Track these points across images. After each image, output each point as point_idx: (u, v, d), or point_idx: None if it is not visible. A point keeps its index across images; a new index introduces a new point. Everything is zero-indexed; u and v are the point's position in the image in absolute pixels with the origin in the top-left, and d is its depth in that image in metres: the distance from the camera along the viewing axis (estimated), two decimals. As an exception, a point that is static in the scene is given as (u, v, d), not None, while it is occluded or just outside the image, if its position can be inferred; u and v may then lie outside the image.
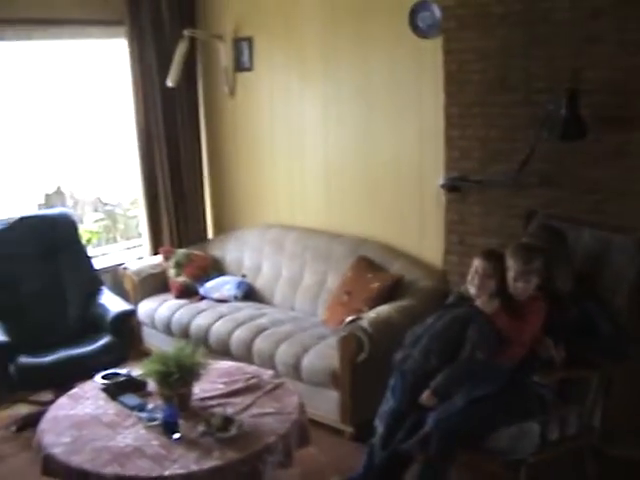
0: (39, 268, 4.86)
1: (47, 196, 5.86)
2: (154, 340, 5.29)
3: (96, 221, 6.47)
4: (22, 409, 4.75)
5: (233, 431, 3.10)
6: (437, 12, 4.36)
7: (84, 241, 5.40)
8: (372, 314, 4.21)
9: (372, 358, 3.99)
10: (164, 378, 3.29)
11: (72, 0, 5.23)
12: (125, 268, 5.53)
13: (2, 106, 5.31)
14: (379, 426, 3.44)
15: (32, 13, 4.99)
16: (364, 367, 4.02)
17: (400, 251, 4.85)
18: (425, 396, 3.30)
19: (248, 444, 3.05)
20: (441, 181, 4.41)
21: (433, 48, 4.38)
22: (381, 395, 3.51)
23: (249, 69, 5.58)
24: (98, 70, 5.76)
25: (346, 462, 3.79)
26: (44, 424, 3.35)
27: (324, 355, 4.18)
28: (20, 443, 4.37)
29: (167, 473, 2.87)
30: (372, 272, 4.68)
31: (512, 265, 3.37)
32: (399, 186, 4.85)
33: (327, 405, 4.15)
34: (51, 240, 4.95)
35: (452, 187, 4.37)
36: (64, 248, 4.97)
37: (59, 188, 5.98)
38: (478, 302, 3.43)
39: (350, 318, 4.17)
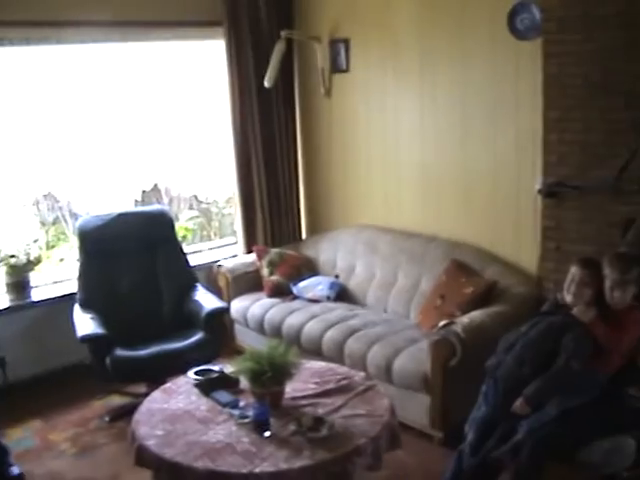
0: (136, 263, 5.00)
1: (144, 193, 6.01)
2: (246, 338, 5.37)
3: (191, 218, 6.60)
4: (116, 400, 4.91)
5: (324, 431, 3.11)
6: (537, 14, 4.28)
7: (179, 238, 5.51)
8: (465, 319, 4.16)
9: (464, 363, 3.94)
10: (257, 376, 3.33)
11: (171, 2, 5.38)
12: (219, 266, 5.62)
13: (103, 106, 5.49)
14: (469, 432, 3.40)
15: (131, 16, 5.15)
16: (456, 372, 3.97)
17: (494, 256, 4.78)
18: (518, 404, 3.25)
19: (338, 445, 3.05)
20: (538, 186, 4.32)
21: (532, 50, 4.28)
22: (472, 401, 3.48)
23: (345, 70, 5.60)
24: (195, 70, 5.89)
25: (434, 467, 3.76)
26: (138, 416, 3.44)
27: (416, 358, 4.15)
28: (113, 433, 4.52)
29: (257, 470, 2.90)
30: (466, 276, 4.63)
31: (609, 274, 3.29)
32: (495, 190, 4.78)
33: (417, 409, 4.12)
34: (148, 236, 5.08)
35: (549, 193, 4.27)
36: (160, 244, 5.09)
37: (156, 185, 6.12)
38: (575, 310, 3.36)
39: (443, 322, 4.13)
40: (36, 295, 5.20)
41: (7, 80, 5.09)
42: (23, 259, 5.11)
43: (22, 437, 4.53)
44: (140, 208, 5.67)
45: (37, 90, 5.21)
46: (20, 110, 5.18)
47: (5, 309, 4.99)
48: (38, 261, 5.31)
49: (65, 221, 6.23)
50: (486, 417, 3.35)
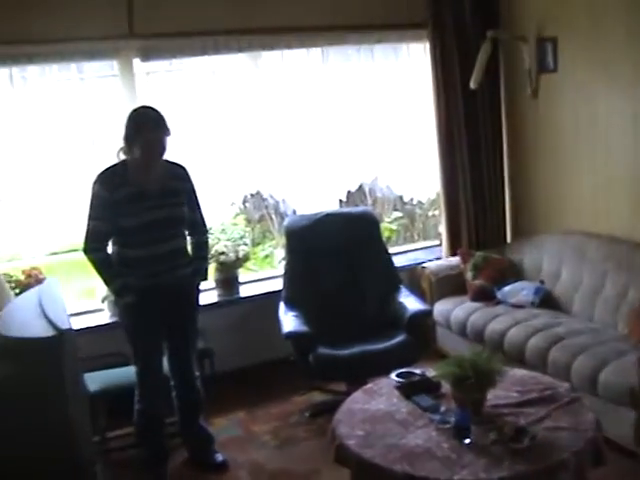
0: (340, 263, 5.13)
1: (349, 193, 6.15)
2: (447, 341, 5.37)
3: (395, 220, 6.68)
4: (317, 396, 5.06)
5: (526, 442, 3.04)
6: None
7: (384, 239, 5.58)
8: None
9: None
10: (459, 382, 3.31)
11: (374, 5, 5.46)
12: (423, 267, 5.65)
13: (310, 107, 5.71)
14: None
15: (335, 20, 5.34)
16: (666, 388, 3.77)
17: None
18: None
19: (540, 457, 2.98)
20: None
21: None
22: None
23: (553, 70, 5.43)
24: (399, 71, 5.98)
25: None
26: (339, 415, 3.51)
27: (623, 371, 3.94)
28: (313, 429, 4.67)
29: (456, 478, 2.88)
30: (680, 286, 4.38)
31: None
32: None
33: (621, 424, 3.93)
34: (353, 237, 5.20)
35: None
36: (365, 245, 5.19)
37: (361, 186, 6.24)
38: None
39: (654, 334, 3.95)
40: (243, 291, 5.47)
41: (218, 82, 5.46)
42: (232, 257, 5.39)
43: (226, 426, 4.79)
44: (346, 209, 5.81)
45: (247, 92, 5.49)
46: (231, 111, 5.49)
47: (214, 304, 5.28)
48: (246, 259, 5.58)
49: (271, 219, 6.51)
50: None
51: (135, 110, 3.98)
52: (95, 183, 3.91)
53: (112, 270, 3.95)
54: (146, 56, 5.03)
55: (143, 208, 3.87)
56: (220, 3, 5.08)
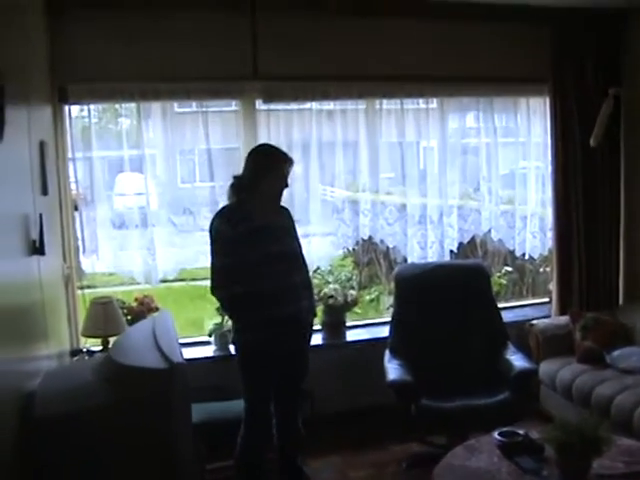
0: (448, 315, 5.09)
1: (460, 245, 6.11)
2: (551, 402, 5.23)
3: (505, 274, 6.60)
4: (415, 447, 4.99)
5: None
6: None
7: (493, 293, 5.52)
8: None
9: None
10: (564, 447, 3.23)
11: (497, 58, 5.49)
12: (531, 325, 5.54)
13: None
14: None
15: (447, 70, 5.39)
16: None
17: None
18: None
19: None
20: None
21: None
22: None
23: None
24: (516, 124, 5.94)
25: None
26: (439, 470, 3.47)
27: None
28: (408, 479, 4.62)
29: None
30: None
31: None
32: None
33: None
34: (463, 289, 5.16)
35: None
36: (475, 298, 5.15)
37: (473, 238, 6.19)
38: None
39: None
40: (349, 335, 5.49)
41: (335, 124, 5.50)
42: (340, 300, 5.43)
43: (322, 469, 4.80)
44: (457, 260, 5.80)
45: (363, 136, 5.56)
46: (346, 154, 5.57)
47: (320, 346, 5.32)
48: (354, 303, 5.61)
49: (379, 264, 6.52)
50: None
51: (261, 146, 4.15)
52: (215, 220, 4.04)
53: (238, 306, 4.04)
54: (268, 98, 5.20)
55: (265, 242, 3.98)
56: (342, 49, 5.19)
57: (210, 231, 4.07)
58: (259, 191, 4.01)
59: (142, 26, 4.80)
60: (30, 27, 4.05)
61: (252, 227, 3.98)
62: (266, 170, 3.99)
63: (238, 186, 4.09)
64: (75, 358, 4.74)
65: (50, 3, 4.56)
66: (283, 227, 4.15)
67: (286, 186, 4.09)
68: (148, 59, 4.81)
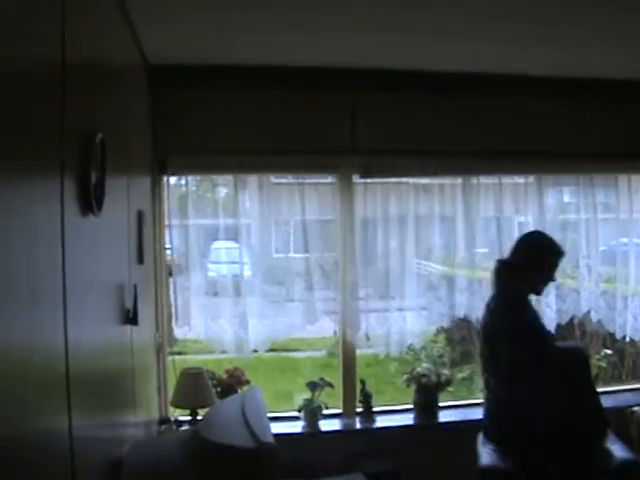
0: (547, 401, 4.88)
1: (558, 326, 5.91)
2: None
3: (603, 356, 6.34)
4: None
5: None
6: None
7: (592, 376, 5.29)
8: None
9: None
10: None
11: (595, 133, 5.37)
12: (632, 412, 5.29)
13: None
14: None
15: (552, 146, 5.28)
16: None
17: None
18: None
19: None
20: None
21: None
22: None
23: None
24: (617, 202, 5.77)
25: None
26: None
27: None
28: None
29: None
30: None
31: None
32: None
33: None
34: (561, 371, 4.94)
35: None
36: (573, 381, 4.92)
37: (571, 319, 5.98)
38: None
39: None
40: (441, 415, 5.32)
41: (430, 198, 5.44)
42: (433, 380, 5.28)
43: None
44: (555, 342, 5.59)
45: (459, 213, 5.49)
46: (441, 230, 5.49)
47: (411, 426, 5.19)
48: (448, 383, 5.45)
49: (472, 342, 6.35)
50: None
51: (536, 234, 4.26)
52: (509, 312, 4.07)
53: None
54: (366, 172, 5.18)
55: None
56: (439, 124, 5.18)
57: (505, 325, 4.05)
58: (529, 281, 4.01)
59: (240, 99, 4.89)
60: (132, 99, 4.16)
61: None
62: (539, 259, 3.99)
63: (506, 272, 4.09)
64: (163, 427, 4.73)
65: (152, 77, 4.70)
66: None
67: (553, 280, 4.10)
68: (246, 132, 4.89)
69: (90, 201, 2.56)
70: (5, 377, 1.68)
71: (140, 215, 4.04)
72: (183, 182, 5.24)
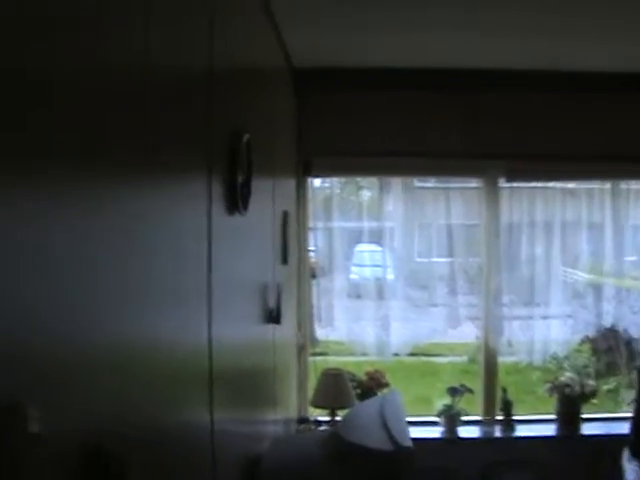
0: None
1: None
2: None
3: None
4: None
5: None
6: None
7: None
8: None
9: None
10: None
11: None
12: None
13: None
14: None
15: None
16: None
17: None
18: None
19: None
20: None
21: None
22: None
23: None
24: None
25: None
26: None
27: None
28: None
29: None
30: None
31: None
32: None
33: None
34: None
35: None
36: None
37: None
38: None
39: None
40: (585, 428, 5.13)
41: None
42: (577, 390, 5.10)
43: None
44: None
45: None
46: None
47: (552, 437, 5.05)
48: (592, 395, 5.24)
49: (620, 354, 6.10)
50: None
51: None
52: None
53: None
54: (512, 177, 5.08)
55: None
56: (584, 127, 5.00)
57: None
58: None
59: (384, 101, 4.89)
60: (278, 102, 4.22)
61: None
62: None
63: None
64: (301, 426, 4.78)
65: (298, 80, 4.76)
66: None
67: None
68: (389, 134, 4.88)
69: (237, 200, 2.60)
70: (151, 372, 1.73)
71: (285, 216, 4.09)
72: (327, 184, 5.29)
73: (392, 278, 5.30)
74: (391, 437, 3.02)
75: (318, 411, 4.90)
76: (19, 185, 1.06)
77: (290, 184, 4.70)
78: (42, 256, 1.13)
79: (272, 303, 3.51)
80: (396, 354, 5.23)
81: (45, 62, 1.13)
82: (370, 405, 3.78)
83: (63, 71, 1.20)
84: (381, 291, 5.15)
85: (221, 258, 2.40)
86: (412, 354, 5.58)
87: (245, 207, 2.72)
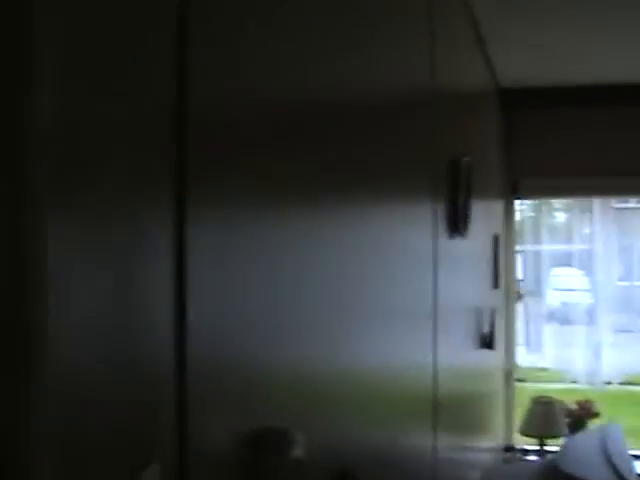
0: None
1: None
2: None
3: None
4: None
5: None
6: None
7: None
8: None
9: None
10: None
11: None
12: None
13: None
14: None
15: None
16: None
17: None
18: None
19: None
20: None
21: None
22: None
23: None
24: None
25: None
26: None
27: None
28: None
29: None
30: None
31: None
32: None
33: None
34: None
35: None
36: None
37: None
38: None
39: None
40: None
41: None
42: None
43: None
44: None
45: None
46: None
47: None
48: None
49: None
50: None
51: None
52: None
53: None
54: None
55: None
56: None
57: None
58: None
59: (590, 120, 4.67)
60: (486, 122, 4.16)
61: None
62: None
63: None
64: (508, 454, 4.65)
65: (505, 101, 4.66)
66: None
67: None
68: (596, 153, 4.66)
69: (458, 223, 2.58)
70: (386, 395, 1.74)
71: (496, 239, 4.02)
72: (530, 206, 5.16)
73: (598, 303, 5.08)
74: (615, 471, 2.87)
75: (525, 439, 4.74)
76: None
77: (498, 206, 4.61)
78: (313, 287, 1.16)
79: (486, 328, 3.45)
80: (608, 382, 4.99)
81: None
82: (590, 437, 3.61)
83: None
84: (590, 316, 4.94)
85: (444, 281, 2.39)
86: (623, 383, 5.30)
87: (465, 230, 2.70)
